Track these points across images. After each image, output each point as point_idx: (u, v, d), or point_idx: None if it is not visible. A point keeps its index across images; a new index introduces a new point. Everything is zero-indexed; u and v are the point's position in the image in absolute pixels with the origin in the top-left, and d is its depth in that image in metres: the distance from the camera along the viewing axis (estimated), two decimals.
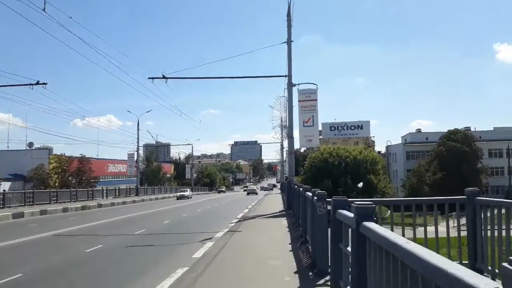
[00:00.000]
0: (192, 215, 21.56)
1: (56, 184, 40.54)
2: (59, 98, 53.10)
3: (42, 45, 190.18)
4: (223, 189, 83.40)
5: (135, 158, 50.24)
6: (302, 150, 69.38)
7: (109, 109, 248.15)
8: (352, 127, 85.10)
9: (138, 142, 49.16)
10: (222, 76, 20.48)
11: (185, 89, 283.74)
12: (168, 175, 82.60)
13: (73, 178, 43.84)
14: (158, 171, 74.68)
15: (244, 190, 79.78)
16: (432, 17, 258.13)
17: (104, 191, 40.84)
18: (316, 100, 18.83)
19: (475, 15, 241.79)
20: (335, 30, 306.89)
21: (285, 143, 65.61)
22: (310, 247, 7.66)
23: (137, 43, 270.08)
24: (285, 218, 14.86)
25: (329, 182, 48.08)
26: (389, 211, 47.28)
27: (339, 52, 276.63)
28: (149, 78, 19.60)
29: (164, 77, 19.43)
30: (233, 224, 13.98)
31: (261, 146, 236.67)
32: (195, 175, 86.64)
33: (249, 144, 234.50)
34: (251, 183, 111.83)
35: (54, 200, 31.67)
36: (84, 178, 44.29)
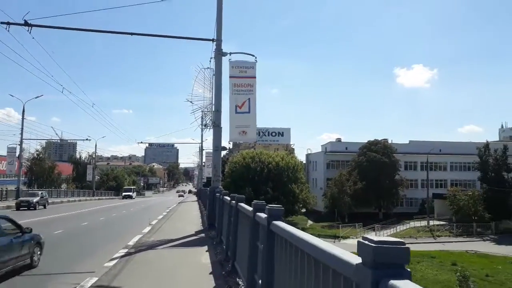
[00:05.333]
0: (68, 232, 14.86)
1: None
2: None
3: None
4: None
5: (17, 153, 40.47)
6: (223, 153, 63.88)
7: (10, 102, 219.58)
8: (273, 134, 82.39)
9: (22, 133, 39.71)
10: (120, 31, 14.27)
11: (96, 86, 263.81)
12: (65, 176, 71.26)
13: None
14: (51, 170, 63.50)
15: (124, 198, 64.20)
16: (342, 41, 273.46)
17: None
18: (255, 77, 13.66)
19: (379, 41, 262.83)
20: (250, 44, 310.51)
21: (207, 140, 59.72)
22: None
23: None
24: (206, 248, 9.27)
25: (250, 189, 43.72)
26: (309, 221, 43.26)
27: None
28: (2, 23, 12.70)
29: (26, 23, 12.71)
30: (114, 262, 7.92)
31: (178, 149, 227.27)
32: (98, 177, 76.17)
33: (165, 146, 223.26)
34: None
35: None
36: None
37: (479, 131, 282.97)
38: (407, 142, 70.84)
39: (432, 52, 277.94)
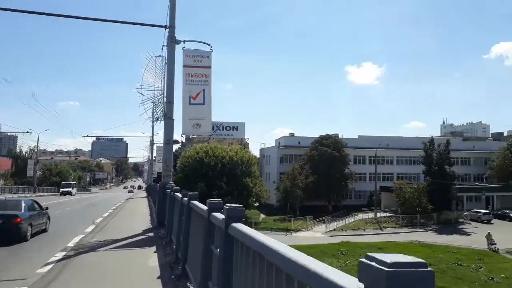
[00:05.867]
0: None
1: None
2: None
3: None
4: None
5: None
6: (175, 146, 62.29)
7: None
8: (228, 128, 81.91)
9: None
10: (64, 14, 12.97)
11: (40, 77, 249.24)
12: (3, 172, 66.25)
13: None
14: None
15: (62, 194, 58.66)
16: (296, 38, 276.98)
17: None
18: (210, 67, 12.98)
19: (331, 39, 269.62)
20: (204, 38, 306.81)
21: (158, 134, 57.91)
22: None
23: None
24: (154, 248, 8.60)
25: (203, 185, 42.98)
26: (262, 215, 43.34)
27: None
28: None
29: None
30: (49, 267, 7.06)
31: (127, 143, 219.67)
32: (39, 172, 71.60)
33: (113, 140, 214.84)
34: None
35: None
36: None
37: (423, 126, 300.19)
38: (357, 137, 73.10)
39: (380, 50, 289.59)
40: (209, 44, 13.07)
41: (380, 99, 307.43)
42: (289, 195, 55.69)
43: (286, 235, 42.91)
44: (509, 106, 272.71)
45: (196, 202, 5.40)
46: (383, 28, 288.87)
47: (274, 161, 69.06)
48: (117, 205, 27.67)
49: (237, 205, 3.25)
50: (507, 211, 52.32)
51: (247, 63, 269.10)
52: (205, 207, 4.39)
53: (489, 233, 34.46)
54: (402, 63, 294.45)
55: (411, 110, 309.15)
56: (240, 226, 2.91)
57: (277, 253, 1.94)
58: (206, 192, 38.82)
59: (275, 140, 77.25)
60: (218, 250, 3.50)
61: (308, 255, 1.68)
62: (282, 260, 1.85)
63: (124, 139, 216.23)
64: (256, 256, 2.43)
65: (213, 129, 75.85)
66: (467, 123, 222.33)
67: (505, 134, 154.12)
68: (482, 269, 27.34)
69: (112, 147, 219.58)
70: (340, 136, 67.19)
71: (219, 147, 50.38)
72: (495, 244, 33.37)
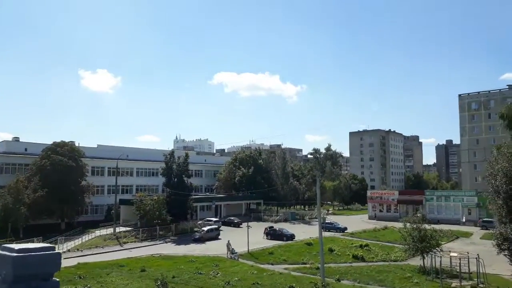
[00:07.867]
0: None
1: None
2: None
3: None
4: None
5: None
6: None
7: None
8: None
9: None
10: None
11: None
12: None
13: None
14: None
15: None
16: (19, 29, 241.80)
17: None
18: None
19: (64, 35, 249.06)
20: None
21: None
22: None
23: None
24: None
25: None
26: None
27: None
28: None
29: None
30: None
31: None
32: None
33: None
34: None
35: None
36: None
37: (157, 140, 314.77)
38: (96, 146, 68.58)
39: (116, 59, 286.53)
40: None
41: (116, 109, 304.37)
42: (10, 213, 45.73)
43: None
44: (229, 125, 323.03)
45: None
46: (118, 37, 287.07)
47: None
48: None
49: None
50: (232, 218, 60.21)
51: None
52: None
53: (228, 241, 37.88)
54: (136, 78, 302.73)
55: (144, 123, 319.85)
56: None
57: None
58: None
59: None
60: None
61: None
62: None
63: None
64: None
65: None
66: (196, 140, 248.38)
67: (226, 150, 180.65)
68: (219, 275, 29.55)
69: None
70: (77, 144, 61.20)
71: None
72: (236, 253, 36.82)
